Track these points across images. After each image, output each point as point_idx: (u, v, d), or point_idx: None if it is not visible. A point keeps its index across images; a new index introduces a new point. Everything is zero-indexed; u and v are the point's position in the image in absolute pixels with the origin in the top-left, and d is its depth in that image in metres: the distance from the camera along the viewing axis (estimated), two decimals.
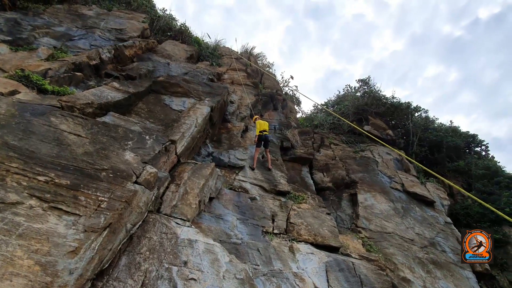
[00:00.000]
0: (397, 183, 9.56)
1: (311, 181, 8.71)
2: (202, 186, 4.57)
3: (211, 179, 5.05)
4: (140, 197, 3.41)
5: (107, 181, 3.33)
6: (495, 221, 9.07)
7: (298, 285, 4.27)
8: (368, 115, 12.67)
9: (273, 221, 5.81)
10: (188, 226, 3.79)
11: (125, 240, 3.25)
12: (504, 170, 11.47)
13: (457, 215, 9.63)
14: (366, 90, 14.39)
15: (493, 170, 11.08)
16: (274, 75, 14.61)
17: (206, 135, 7.06)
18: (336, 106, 14.82)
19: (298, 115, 15.30)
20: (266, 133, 7.54)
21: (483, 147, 13.17)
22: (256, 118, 8.17)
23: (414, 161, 5.47)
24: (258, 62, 14.56)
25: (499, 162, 12.25)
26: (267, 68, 14.98)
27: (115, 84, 6.34)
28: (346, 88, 15.73)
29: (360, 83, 15.13)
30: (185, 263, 3.24)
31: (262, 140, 7.41)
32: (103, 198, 3.10)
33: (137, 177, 3.56)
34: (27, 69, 5.67)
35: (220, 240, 4.53)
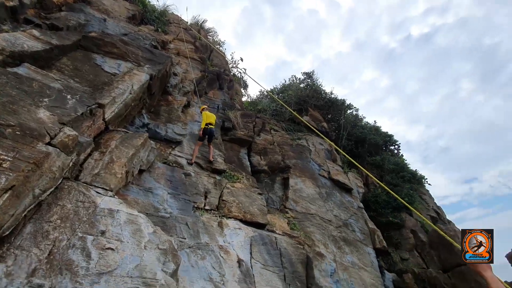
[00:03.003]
0: (325, 171, 10.54)
1: (248, 163, 8.98)
2: (131, 156, 4.32)
3: (142, 150, 4.80)
4: (54, 161, 3.06)
5: (12, 139, 2.89)
6: (396, 208, 10.80)
7: (222, 256, 4.47)
8: (308, 106, 13.48)
9: (205, 197, 5.86)
10: (111, 196, 3.58)
11: (32, 206, 2.91)
12: (409, 167, 13.64)
13: (368, 201, 11.16)
14: (309, 83, 15.21)
15: (401, 166, 13.08)
16: (224, 54, 14.30)
17: (143, 105, 6.60)
18: (280, 94, 15.34)
19: (244, 99, 15.39)
20: (212, 126, 7.00)
21: (396, 146, 15.36)
22: (203, 109, 7.52)
23: (343, 152, 6.05)
24: (209, 37, 14.01)
25: (406, 160, 14.49)
26: (218, 46, 14.54)
27: (35, 32, 5.41)
28: (292, 79, 16.38)
29: (305, 76, 15.91)
30: (103, 232, 3.08)
31: (207, 134, 6.94)
32: (5, 157, 2.70)
33: (52, 138, 3.17)
34: None
35: (147, 213, 4.40)
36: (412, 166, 14.01)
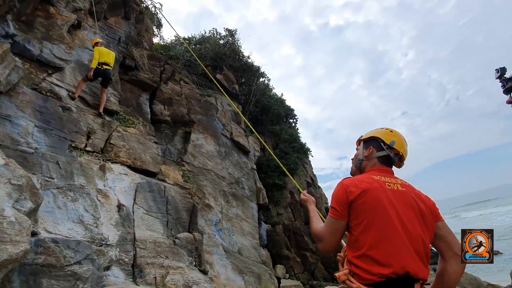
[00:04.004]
0: (228, 131, 10.88)
1: (149, 110, 8.35)
2: None
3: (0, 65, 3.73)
4: None
5: None
6: (282, 172, 12.37)
7: (99, 200, 4.18)
8: (223, 65, 13.20)
9: (88, 138, 5.19)
10: None
11: None
12: (300, 140, 15.59)
13: (262, 164, 12.36)
14: (230, 41, 14.73)
15: (294, 138, 14.82)
16: None
17: (9, 8, 5.01)
18: (198, 45, 14.39)
19: (156, 40, 13.69)
20: (108, 67, 5.76)
21: (294, 120, 17.16)
22: (97, 43, 5.99)
23: (245, 119, 6.31)
24: None
25: (299, 134, 16.44)
26: None
27: None
28: (212, 32, 15.44)
29: (227, 33, 15.22)
30: None
31: (100, 76, 5.71)
32: None
33: None
34: None
35: (1, 145, 3.59)
36: (303, 140, 15.98)
